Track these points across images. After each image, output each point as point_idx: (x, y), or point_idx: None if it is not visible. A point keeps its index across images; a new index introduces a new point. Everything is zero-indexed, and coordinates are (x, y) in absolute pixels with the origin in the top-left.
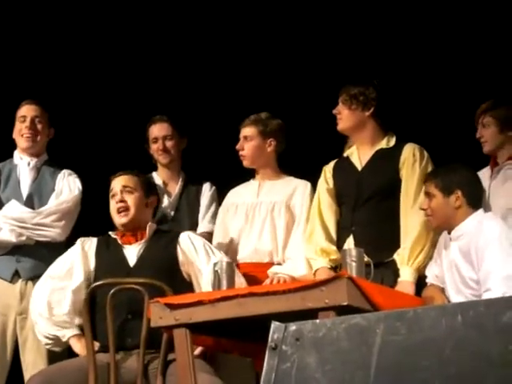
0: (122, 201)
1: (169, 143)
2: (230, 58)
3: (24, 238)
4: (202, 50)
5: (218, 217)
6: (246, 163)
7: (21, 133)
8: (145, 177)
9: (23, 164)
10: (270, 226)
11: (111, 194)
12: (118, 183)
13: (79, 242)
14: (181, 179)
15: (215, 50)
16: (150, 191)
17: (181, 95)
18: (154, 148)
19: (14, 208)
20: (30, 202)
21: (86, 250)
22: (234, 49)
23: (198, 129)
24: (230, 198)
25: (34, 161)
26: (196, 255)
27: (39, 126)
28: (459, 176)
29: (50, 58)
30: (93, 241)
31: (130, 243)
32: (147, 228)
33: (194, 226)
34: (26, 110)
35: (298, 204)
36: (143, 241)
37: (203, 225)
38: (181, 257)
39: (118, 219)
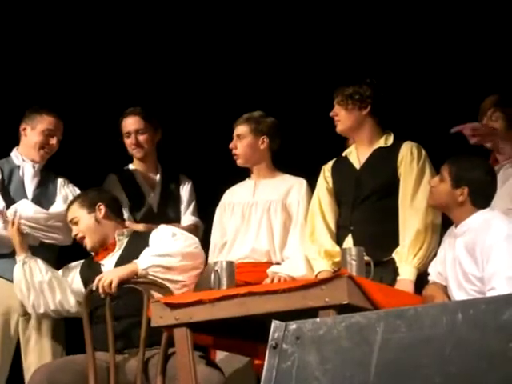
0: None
1: (141, 137)
2: (231, 58)
3: (30, 239)
4: (204, 49)
5: (216, 216)
6: (239, 162)
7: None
8: (86, 195)
9: (28, 166)
10: (267, 226)
11: None
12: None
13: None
14: (159, 172)
15: (216, 49)
16: (93, 206)
17: (163, 87)
18: (128, 142)
19: (28, 207)
20: (36, 204)
21: (71, 274)
22: (235, 48)
23: (175, 121)
24: (227, 197)
25: (37, 164)
26: (160, 239)
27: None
28: (473, 174)
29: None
30: (76, 265)
31: (104, 258)
32: (115, 236)
33: (179, 219)
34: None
35: (294, 202)
36: (117, 249)
37: (187, 218)
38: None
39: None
